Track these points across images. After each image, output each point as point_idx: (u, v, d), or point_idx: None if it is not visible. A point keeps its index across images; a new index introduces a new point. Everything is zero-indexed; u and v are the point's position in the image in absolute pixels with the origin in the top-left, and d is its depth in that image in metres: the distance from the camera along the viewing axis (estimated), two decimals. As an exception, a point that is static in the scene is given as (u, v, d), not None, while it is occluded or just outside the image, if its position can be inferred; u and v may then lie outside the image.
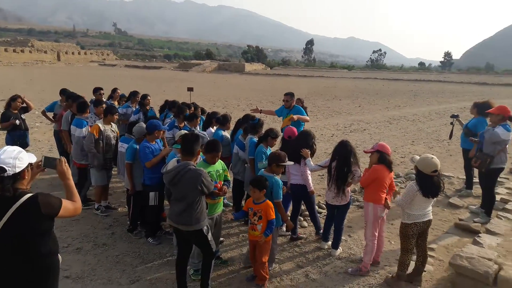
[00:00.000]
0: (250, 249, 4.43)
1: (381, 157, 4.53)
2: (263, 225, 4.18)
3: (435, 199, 4.21)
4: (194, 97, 15.01)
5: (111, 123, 6.32)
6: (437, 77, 50.20)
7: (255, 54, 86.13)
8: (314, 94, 27.74)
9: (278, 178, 4.54)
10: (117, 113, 6.46)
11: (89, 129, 6.21)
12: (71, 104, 7.09)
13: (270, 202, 4.26)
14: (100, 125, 6.07)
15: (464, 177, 7.58)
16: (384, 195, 4.55)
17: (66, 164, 2.78)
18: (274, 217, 4.21)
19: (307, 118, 7.48)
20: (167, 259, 4.92)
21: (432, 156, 4.07)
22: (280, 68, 67.57)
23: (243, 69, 56.52)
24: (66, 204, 2.64)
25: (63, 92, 8.00)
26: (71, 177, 2.80)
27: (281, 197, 4.46)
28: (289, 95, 7.45)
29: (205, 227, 3.94)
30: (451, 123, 7.62)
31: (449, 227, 5.97)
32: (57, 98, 8.33)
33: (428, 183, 4.01)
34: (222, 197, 4.49)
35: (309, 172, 5.24)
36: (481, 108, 6.90)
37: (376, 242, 4.63)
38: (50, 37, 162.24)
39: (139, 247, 5.26)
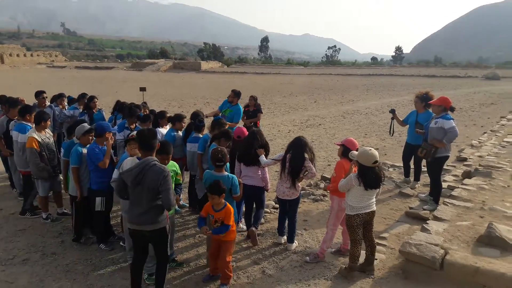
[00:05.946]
0: (213, 247, 4.35)
1: (344, 151, 4.64)
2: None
3: (378, 190, 4.35)
4: (148, 97, 14.71)
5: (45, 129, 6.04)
6: (389, 71, 51.90)
7: (211, 52, 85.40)
8: (271, 91, 27.88)
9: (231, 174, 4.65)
10: (49, 119, 6.17)
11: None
12: (8, 109, 6.79)
13: (230, 207, 4.24)
14: (35, 135, 5.74)
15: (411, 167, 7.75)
16: None
17: None
18: (232, 223, 4.21)
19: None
20: (120, 265, 4.77)
21: (370, 148, 4.20)
22: (237, 65, 67.41)
23: (200, 67, 55.90)
24: None
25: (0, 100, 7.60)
26: None
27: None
28: (233, 93, 8.46)
29: (167, 225, 3.89)
30: (392, 118, 7.78)
31: (400, 216, 6.18)
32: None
33: (370, 175, 4.14)
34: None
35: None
36: (427, 101, 7.13)
37: (335, 232, 4.81)
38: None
39: (90, 254, 5.07)
